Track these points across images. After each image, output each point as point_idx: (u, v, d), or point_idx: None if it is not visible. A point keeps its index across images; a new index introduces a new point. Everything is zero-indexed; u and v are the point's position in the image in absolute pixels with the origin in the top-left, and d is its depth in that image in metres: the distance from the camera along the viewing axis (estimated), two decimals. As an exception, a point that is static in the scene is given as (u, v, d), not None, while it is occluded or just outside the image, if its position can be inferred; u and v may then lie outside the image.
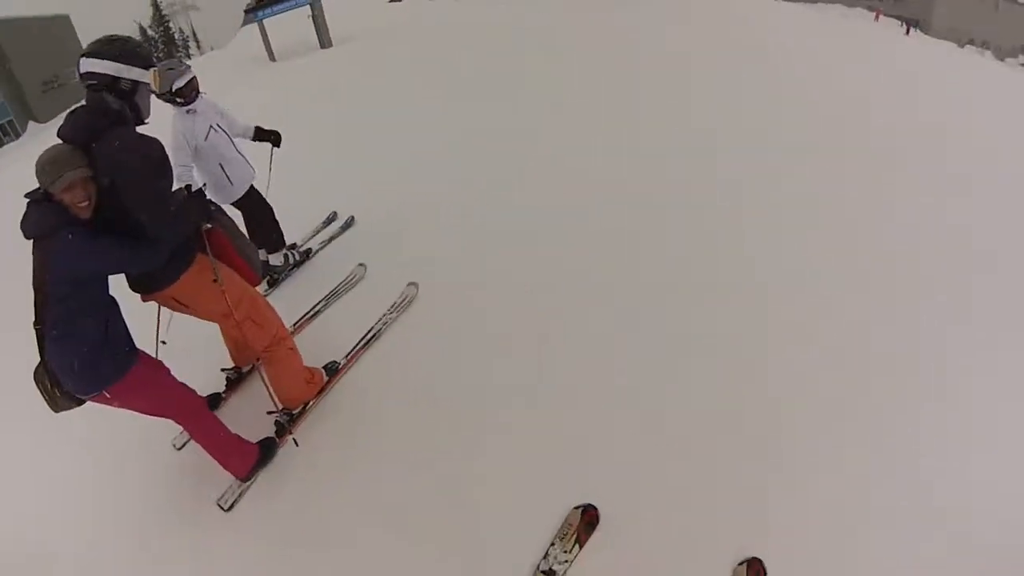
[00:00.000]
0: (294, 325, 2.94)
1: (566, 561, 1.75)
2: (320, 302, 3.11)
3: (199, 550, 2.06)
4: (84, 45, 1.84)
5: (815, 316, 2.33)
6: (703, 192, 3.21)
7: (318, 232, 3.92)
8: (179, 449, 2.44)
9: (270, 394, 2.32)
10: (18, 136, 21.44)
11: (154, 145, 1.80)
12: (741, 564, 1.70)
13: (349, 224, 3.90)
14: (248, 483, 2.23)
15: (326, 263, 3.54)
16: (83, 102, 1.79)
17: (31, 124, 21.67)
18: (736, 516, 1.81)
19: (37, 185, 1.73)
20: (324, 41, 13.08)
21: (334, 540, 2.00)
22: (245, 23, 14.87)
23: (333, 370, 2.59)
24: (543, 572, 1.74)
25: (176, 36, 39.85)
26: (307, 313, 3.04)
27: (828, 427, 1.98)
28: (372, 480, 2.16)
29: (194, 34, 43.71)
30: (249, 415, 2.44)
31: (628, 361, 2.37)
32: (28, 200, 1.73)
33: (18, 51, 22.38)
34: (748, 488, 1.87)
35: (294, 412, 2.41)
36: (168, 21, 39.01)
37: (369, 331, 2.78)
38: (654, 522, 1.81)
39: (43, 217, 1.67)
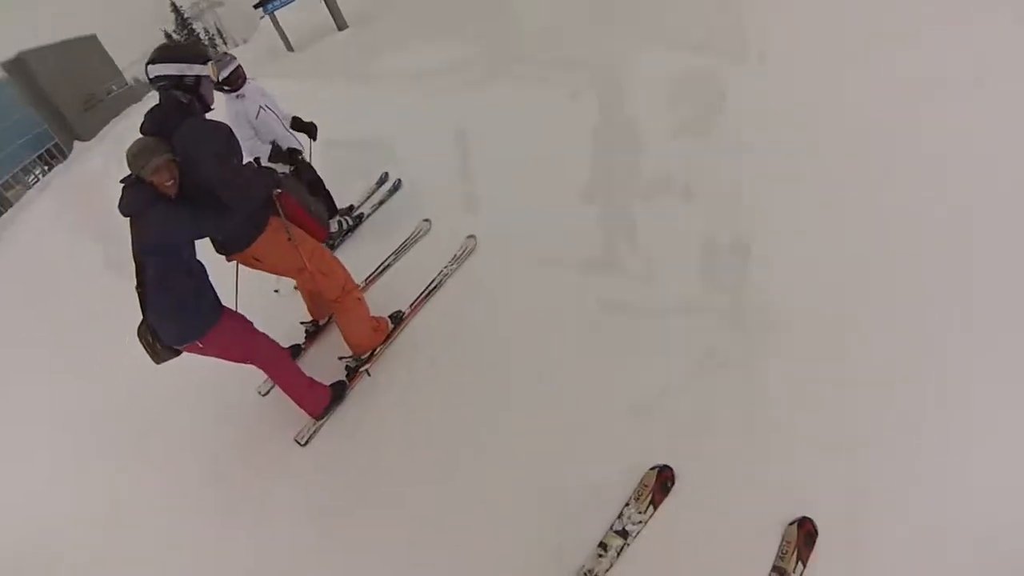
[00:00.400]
0: (366, 280, 3.24)
1: (640, 522, 1.82)
2: (389, 256, 3.39)
3: (281, 479, 2.42)
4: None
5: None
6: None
7: (372, 194, 4.24)
8: (264, 395, 2.77)
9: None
10: (65, 157, 23.46)
11: (222, 128, 2.15)
12: (792, 524, 1.74)
13: (397, 187, 4.16)
14: (322, 421, 2.55)
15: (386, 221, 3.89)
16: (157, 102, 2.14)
17: (76, 144, 23.65)
18: (789, 478, 1.86)
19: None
20: (339, 23, 13.54)
21: (397, 475, 2.27)
22: (263, 16, 15.66)
23: (398, 319, 2.86)
24: (616, 532, 1.80)
25: (202, 36, 42.32)
26: (377, 268, 3.34)
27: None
28: (437, 425, 2.39)
29: (219, 32, 46.04)
30: (325, 362, 2.74)
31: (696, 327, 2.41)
32: (123, 184, 2.07)
33: (53, 77, 24.47)
34: (803, 453, 1.92)
35: (363, 358, 2.69)
36: (191, 23, 41.58)
37: (431, 282, 3.03)
38: (724, 483, 1.89)
39: (136, 197, 2.02)
